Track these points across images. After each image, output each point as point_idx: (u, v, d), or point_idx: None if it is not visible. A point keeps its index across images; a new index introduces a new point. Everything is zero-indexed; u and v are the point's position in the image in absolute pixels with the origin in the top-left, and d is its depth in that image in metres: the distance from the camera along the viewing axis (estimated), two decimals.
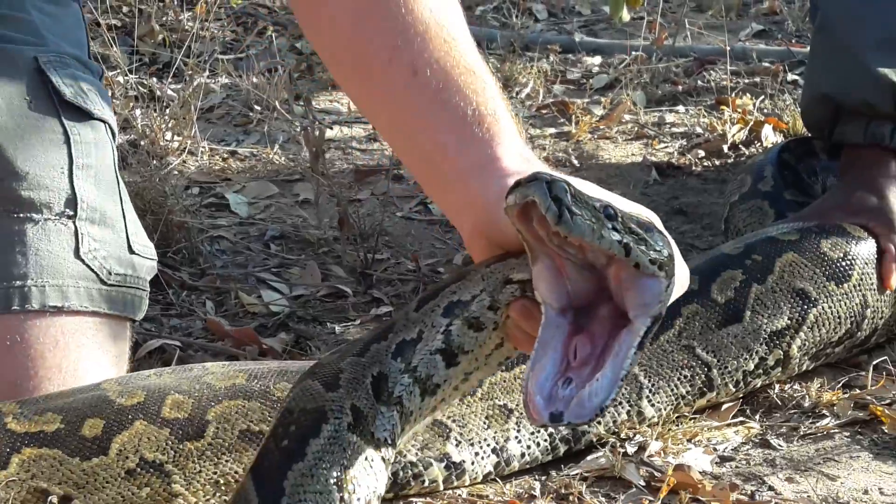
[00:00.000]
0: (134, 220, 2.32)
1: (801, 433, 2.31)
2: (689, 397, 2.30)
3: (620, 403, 2.23)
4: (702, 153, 3.72)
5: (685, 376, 2.29)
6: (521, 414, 2.12)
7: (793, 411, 2.40)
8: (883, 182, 2.66)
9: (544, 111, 4.13)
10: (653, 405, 2.25)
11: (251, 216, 3.30)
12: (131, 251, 2.26)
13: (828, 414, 2.37)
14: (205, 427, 1.90)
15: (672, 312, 2.27)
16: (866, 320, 2.49)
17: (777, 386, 2.45)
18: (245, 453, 1.91)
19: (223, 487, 1.92)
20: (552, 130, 3.97)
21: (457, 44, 1.77)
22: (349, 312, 2.84)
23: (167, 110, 3.72)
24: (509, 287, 1.57)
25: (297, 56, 4.64)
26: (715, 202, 3.40)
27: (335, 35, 1.85)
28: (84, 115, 2.27)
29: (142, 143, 3.60)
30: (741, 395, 2.39)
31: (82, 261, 2.16)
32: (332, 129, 3.87)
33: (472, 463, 2.08)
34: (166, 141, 3.64)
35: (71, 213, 2.18)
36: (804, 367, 2.45)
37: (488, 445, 2.10)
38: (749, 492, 2.10)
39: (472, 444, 2.08)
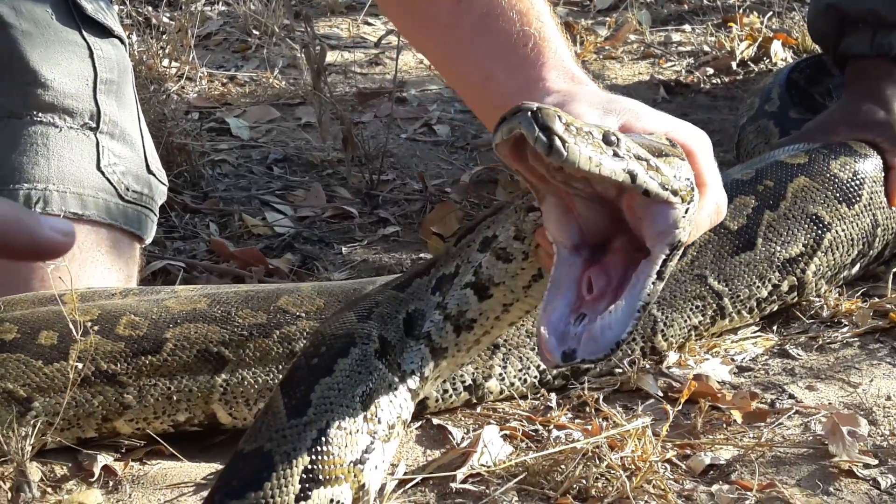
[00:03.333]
0: (149, 142, 2.30)
1: (820, 343, 2.26)
2: (701, 328, 2.25)
3: (634, 340, 2.16)
4: (710, 70, 3.65)
5: (697, 307, 2.22)
6: (508, 350, 2.07)
7: (811, 321, 2.36)
8: (890, 94, 2.58)
9: None
10: (666, 339, 2.19)
11: (253, 140, 3.24)
12: (149, 171, 2.23)
13: (847, 323, 2.33)
14: (162, 343, 1.87)
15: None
16: (877, 239, 2.43)
17: None
18: (202, 373, 1.89)
19: (177, 404, 1.90)
20: None
21: None
22: (355, 233, 2.79)
23: (164, 37, 3.65)
24: (532, 214, 1.50)
25: None
26: (725, 119, 3.35)
27: None
28: (104, 32, 2.25)
29: (139, 69, 3.53)
30: (757, 320, 2.34)
31: (102, 173, 2.14)
32: (332, 50, 3.80)
33: (438, 400, 2.03)
34: (164, 67, 3.57)
35: (93, 125, 2.16)
36: (821, 290, 2.39)
37: (462, 382, 2.05)
38: (769, 400, 2.06)
39: (443, 381, 2.01)
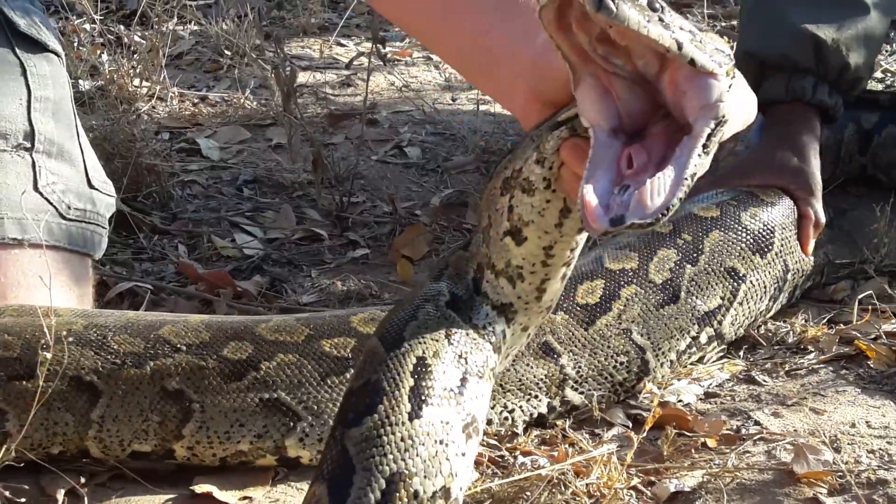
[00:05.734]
0: (92, 156, 2.25)
1: (787, 369, 2.28)
2: (627, 384, 2.18)
3: (542, 393, 2.11)
4: None
5: (622, 363, 2.17)
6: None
7: (777, 347, 2.37)
8: (805, 140, 2.60)
9: None
10: (581, 393, 2.13)
11: (223, 160, 3.23)
12: (91, 186, 2.19)
13: (813, 349, 2.34)
14: (35, 368, 1.80)
15: (611, 294, 2.18)
16: (787, 283, 2.44)
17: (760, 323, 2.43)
18: (77, 402, 1.85)
19: (52, 437, 1.87)
20: None
21: None
22: (325, 255, 2.79)
23: (135, 56, 3.64)
24: (556, 132, 1.45)
25: (268, 2, 4.56)
26: None
27: None
28: (38, 48, 2.21)
29: (110, 88, 3.52)
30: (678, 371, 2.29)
31: (41, 194, 2.10)
32: (303, 71, 3.80)
33: None
34: (134, 87, 3.56)
35: (28, 145, 2.11)
36: (739, 335, 2.39)
37: None
38: (735, 426, 2.07)
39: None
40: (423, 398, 1.42)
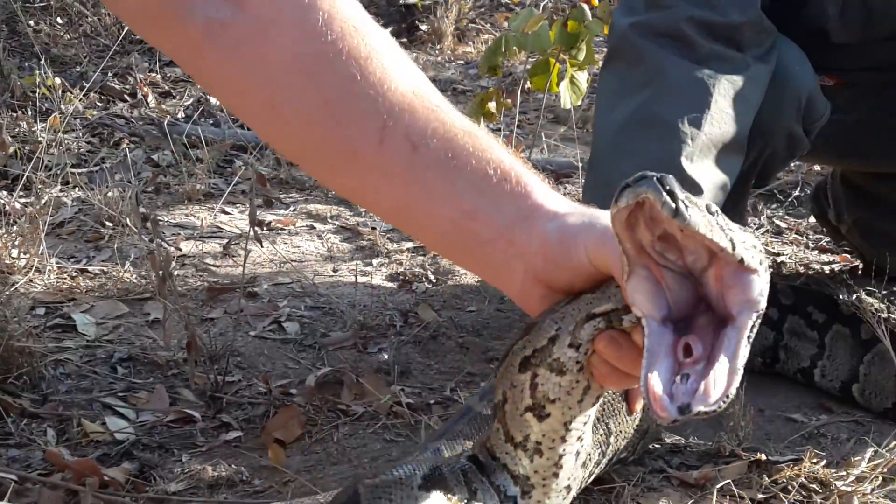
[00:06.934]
0: None
1: None
2: None
3: None
4: None
5: None
6: None
7: None
8: None
9: None
10: None
11: (98, 338, 3.21)
12: None
13: None
14: None
15: None
16: (610, 447, 2.50)
17: None
18: None
19: None
20: (409, 245, 3.99)
21: (442, 111, 1.68)
22: (197, 438, 2.77)
23: (14, 227, 3.63)
24: (592, 322, 1.59)
25: (154, 168, 4.59)
26: None
27: (307, 135, 1.70)
28: None
29: None
30: None
31: None
32: (180, 249, 3.82)
33: None
34: (12, 259, 3.55)
35: None
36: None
37: None
38: None
39: None
40: None
